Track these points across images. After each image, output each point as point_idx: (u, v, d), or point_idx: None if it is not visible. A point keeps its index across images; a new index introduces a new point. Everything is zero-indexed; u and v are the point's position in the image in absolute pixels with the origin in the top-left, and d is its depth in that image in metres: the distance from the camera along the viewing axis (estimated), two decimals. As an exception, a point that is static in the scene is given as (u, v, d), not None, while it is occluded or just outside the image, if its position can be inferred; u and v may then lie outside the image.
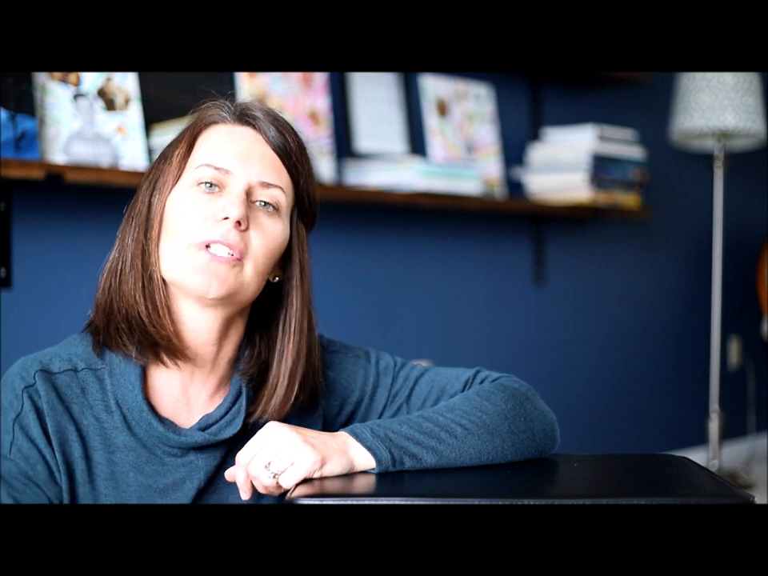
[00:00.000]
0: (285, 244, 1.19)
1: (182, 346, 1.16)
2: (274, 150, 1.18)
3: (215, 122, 1.19)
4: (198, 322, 1.16)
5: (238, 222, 1.12)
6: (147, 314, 1.14)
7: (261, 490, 1.09)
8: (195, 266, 1.12)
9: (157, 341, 1.14)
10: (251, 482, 1.10)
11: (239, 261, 1.13)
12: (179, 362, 1.17)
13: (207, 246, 1.12)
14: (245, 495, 1.11)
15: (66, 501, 1.11)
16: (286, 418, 1.21)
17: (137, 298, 1.15)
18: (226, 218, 1.12)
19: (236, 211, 1.12)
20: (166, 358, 1.16)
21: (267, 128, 1.18)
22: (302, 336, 1.20)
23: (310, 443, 1.07)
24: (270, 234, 1.16)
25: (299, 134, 1.22)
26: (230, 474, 1.14)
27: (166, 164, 1.18)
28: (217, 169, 1.15)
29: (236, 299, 1.15)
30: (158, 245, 1.15)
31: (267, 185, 1.16)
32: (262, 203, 1.16)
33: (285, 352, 1.19)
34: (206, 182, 1.15)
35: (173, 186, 1.16)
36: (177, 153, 1.18)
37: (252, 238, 1.14)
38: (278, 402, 1.19)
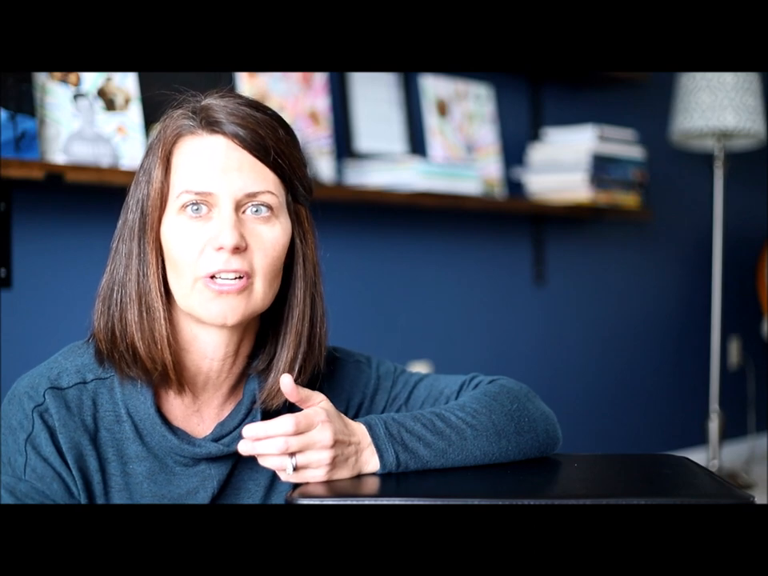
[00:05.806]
0: (288, 241, 1.14)
1: (195, 371, 1.15)
2: (250, 153, 1.11)
3: (183, 135, 1.13)
4: (215, 343, 1.15)
5: (236, 248, 1.08)
6: (146, 347, 1.11)
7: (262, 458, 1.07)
8: (206, 299, 1.09)
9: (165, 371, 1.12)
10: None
11: (248, 281, 1.10)
12: (189, 386, 1.16)
13: (213, 277, 1.09)
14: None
15: None
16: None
17: (135, 327, 1.11)
18: (222, 248, 1.08)
19: (229, 240, 1.07)
20: (175, 385, 1.14)
21: (236, 131, 1.10)
22: (305, 323, 1.17)
23: (340, 464, 1.08)
24: (271, 242, 1.12)
25: (268, 111, 1.15)
26: (254, 431, 1.07)
27: (149, 185, 1.12)
28: (198, 194, 1.09)
29: (253, 315, 1.13)
30: (158, 274, 1.12)
31: (254, 194, 1.11)
32: (254, 210, 1.11)
33: (285, 342, 1.16)
34: (192, 205, 1.10)
35: (161, 210, 1.12)
36: (156, 174, 1.12)
37: (255, 255, 1.10)
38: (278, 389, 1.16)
